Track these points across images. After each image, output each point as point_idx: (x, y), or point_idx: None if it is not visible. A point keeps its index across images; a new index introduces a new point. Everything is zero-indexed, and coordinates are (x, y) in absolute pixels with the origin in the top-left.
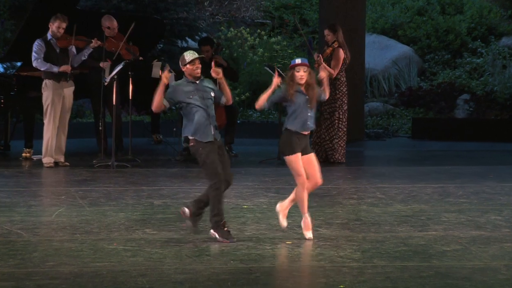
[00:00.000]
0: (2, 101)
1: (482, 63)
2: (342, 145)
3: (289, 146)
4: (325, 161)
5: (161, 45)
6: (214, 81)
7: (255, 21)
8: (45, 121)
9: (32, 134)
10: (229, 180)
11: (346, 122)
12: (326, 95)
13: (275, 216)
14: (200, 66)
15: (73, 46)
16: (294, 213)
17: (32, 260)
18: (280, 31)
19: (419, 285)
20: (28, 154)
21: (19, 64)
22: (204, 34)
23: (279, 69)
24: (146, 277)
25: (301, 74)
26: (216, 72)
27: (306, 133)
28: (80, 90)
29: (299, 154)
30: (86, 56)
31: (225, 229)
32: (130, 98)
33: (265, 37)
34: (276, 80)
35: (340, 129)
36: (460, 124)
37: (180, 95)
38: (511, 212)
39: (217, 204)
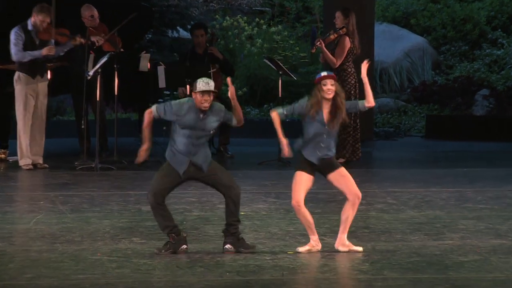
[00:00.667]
0: None
1: (503, 55)
2: (351, 142)
3: (300, 164)
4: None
5: (150, 35)
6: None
7: (253, 8)
8: (18, 119)
9: (8, 133)
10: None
11: (356, 116)
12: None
13: (275, 223)
14: (210, 99)
15: (54, 47)
16: (295, 220)
17: (8, 272)
18: (280, 20)
19: None
20: (3, 155)
21: None
22: None
23: (279, 62)
24: None
25: (328, 88)
26: (232, 94)
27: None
28: (60, 84)
29: (305, 173)
30: (64, 52)
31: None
32: (116, 93)
33: (264, 27)
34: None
35: (349, 125)
36: (478, 122)
37: (178, 119)
38: None
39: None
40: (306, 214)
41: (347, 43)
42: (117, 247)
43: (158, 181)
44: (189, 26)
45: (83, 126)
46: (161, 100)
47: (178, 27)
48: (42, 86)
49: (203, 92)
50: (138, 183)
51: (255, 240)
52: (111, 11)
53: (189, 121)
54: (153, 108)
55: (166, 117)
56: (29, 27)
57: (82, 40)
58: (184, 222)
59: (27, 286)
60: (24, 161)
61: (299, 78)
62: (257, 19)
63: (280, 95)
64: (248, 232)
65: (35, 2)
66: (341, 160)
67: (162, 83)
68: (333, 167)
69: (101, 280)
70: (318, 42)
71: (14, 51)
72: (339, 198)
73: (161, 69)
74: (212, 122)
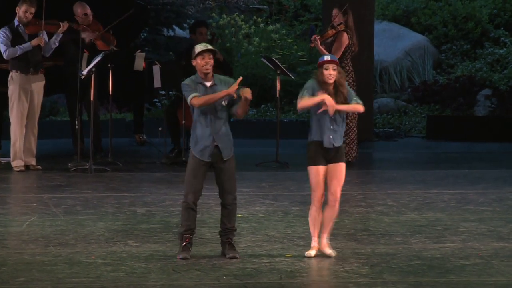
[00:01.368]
0: None
1: (505, 54)
2: (347, 142)
3: (310, 157)
4: None
5: (145, 34)
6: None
7: (250, 6)
8: (12, 119)
9: (0, 134)
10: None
11: (354, 117)
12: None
13: (273, 226)
14: (211, 61)
15: (45, 33)
16: (294, 222)
17: (0, 275)
18: (278, 18)
19: None
20: None
21: None
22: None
23: (277, 61)
24: None
25: (330, 73)
26: (248, 93)
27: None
28: (54, 84)
29: (320, 167)
30: (57, 44)
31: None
32: (110, 93)
33: (261, 25)
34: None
35: (346, 125)
36: (480, 122)
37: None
38: None
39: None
40: (319, 212)
41: (345, 39)
42: (112, 250)
43: (192, 181)
44: (185, 25)
45: (76, 127)
46: (156, 100)
47: (174, 26)
48: (37, 86)
49: (203, 53)
50: (133, 185)
51: (253, 243)
52: (105, 9)
53: (198, 92)
54: (189, 97)
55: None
56: (16, 24)
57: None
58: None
59: None
60: (17, 163)
61: (297, 78)
62: (254, 17)
63: (278, 95)
64: (246, 234)
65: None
66: None
67: (157, 83)
68: (337, 159)
69: (95, 284)
70: (314, 39)
71: (4, 49)
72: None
73: (156, 69)
74: (223, 88)
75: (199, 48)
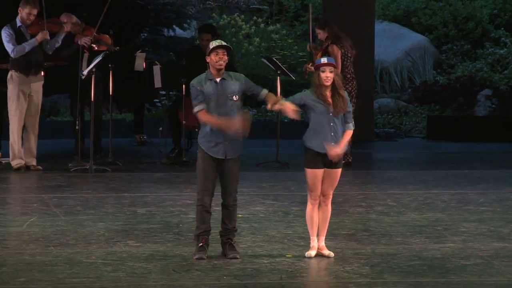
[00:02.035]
0: None
1: (506, 54)
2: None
3: (308, 160)
4: None
5: (145, 34)
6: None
7: (251, 6)
8: (11, 119)
9: (0, 134)
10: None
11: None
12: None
13: (273, 226)
14: (225, 57)
15: (47, 32)
16: (295, 222)
17: (1, 276)
18: (279, 18)
19: None
20: None
21: None
22: (194, 21)
23: (277, 61)
24: None
25: (327, 75)
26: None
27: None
28: (54, 84)
29: (318, 170)
30: (60, 42)
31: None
32: (111, 93)
33: (262, 25)
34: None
35: None
36: (481, 122)
37: (203, 91)
38: None
39: (199, 220)
40: (318, 213)
41: (336, 50)
42: (112, 250)
43: (205, 182)
44: (185, 25)
45: (77, 127)
46: (157, 100)
47: (174, 26)
48: (36, 86)
49: (218, 49)
50: (133, 185)
51: (253, 243)
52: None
53: (208, 89)
54: (195, 108)
55: (203, 98)
56: (18, 24)
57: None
58: (181, 225)
59: None
60: (16, 161)
61: (297, 78)
62: (254, 18)
63: (278, 95)
64: (246, 234)
65: None
66: None
67: (158, 83)
68: (334, 164)
69: (95, 284)
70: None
71: (11, 48)
72: (338, 200)
73: (156, 69)
74: (232, 85)
75: (213, 44)
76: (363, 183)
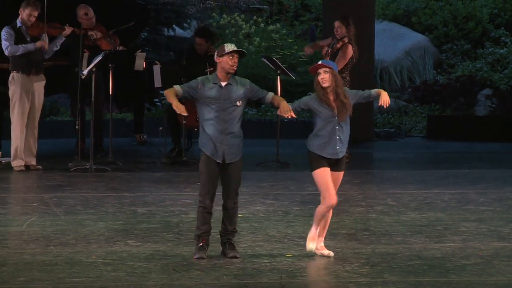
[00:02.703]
0: None
1: (506, 54)
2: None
3: (313, 162)
4: None
5: (145, 34)
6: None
7: (251, 6)
8: (12, 120)
9: (0, 134)
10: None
11: None
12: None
13: (273, 225)
14: (237, 62)
15: (47, 42)
16: (295, 222)
17: (1, 275)
18: (279, 18)
19: None
20: None
21: None
22: (194, 21)
23: (277, 61)
24: None
25: (322, 77)
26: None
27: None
28: (55, 84)
29: (325, 168)
30: (58, 46)
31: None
32: (111, 93)
33: (262, 25)
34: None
35: None
36: (481, 122)
37: (199, 92)
38: None
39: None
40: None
41: (350, 52)
42: (112, 250)
43: (207, 184)
44: (185, 25)
45: (77, 127)
46: (157, 100)
47: (174, 26)
48: (38, 86)
49: (233, 53)
50: (133, 185)
51: (253, 242)
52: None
53: (210, 92)
54: (175, 85)
55: (195, 96)
56: (18, 25)
57: (72, 28)
58: (181, 225)
59: None
60: (17, 163)
61: (297, 78)
62: (254, 17)
63: (278, 95)
64: (246, 234)
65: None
66: None
67: (158, 83)
68: (338, 167)
69: (96, 284)
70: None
71: (6, 46)
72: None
73: (157, 68)
74: (237, 91)
75: (230, 47)
76: (363, 182)
